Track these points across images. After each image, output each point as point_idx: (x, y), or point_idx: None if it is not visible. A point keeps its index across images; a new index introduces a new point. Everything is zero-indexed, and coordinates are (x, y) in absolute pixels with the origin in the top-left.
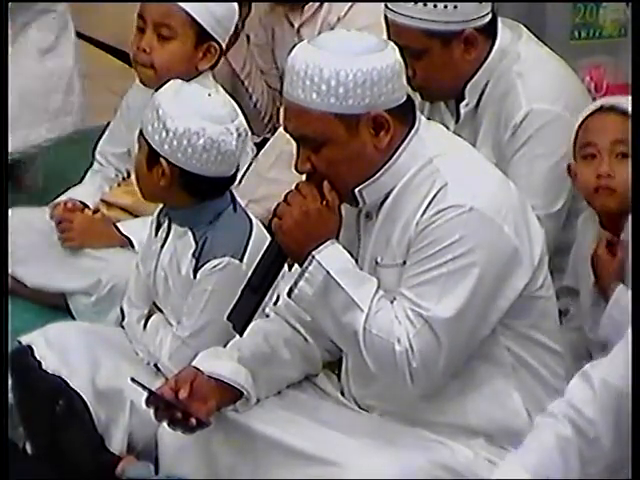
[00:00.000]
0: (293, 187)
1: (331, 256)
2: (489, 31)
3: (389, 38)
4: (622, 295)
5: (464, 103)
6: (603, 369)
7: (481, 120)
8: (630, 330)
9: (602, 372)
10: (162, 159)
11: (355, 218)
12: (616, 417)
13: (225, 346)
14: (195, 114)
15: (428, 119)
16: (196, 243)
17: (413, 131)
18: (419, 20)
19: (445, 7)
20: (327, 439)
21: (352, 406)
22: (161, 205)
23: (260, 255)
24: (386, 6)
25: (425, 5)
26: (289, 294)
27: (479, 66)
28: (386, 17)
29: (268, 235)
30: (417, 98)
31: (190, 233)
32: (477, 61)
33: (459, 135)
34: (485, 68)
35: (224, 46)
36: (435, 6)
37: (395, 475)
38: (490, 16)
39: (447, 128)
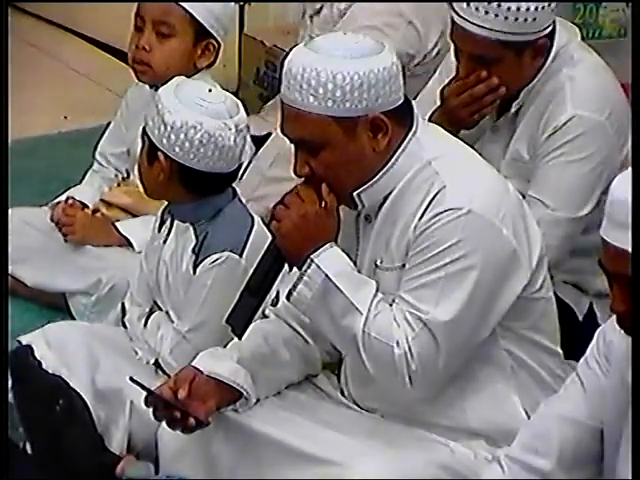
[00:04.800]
0: (291, 189)
1: (330, 259)
2: (552, 35)
3: (453, 42)
4: None
5: (517, 102)
6: (559, 404)
7: (523, 114)
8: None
9: (558, 408)
10: (160, 153)
11: (354, 221)
12: (576, 448)
13: (225, 345)
14: (193, 108)
15: None
16: (196, 238)
17: (411, 133)
18: (496, 32)
19: (525, 20)
20: (327, 439)
21: (352, 406)
22: (164, 204)
23: (259, 258)
24: (457, 14)
25: (506, 19)
26: (288, 297)
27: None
28: (454, 23)
29: (268, 233)
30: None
31: (191, 229)
32: (540, 65)
33: (497, 128)
34: (543, 70)
35: (222, 43)
36: (516, 19)
37: (395, 475)
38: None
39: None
